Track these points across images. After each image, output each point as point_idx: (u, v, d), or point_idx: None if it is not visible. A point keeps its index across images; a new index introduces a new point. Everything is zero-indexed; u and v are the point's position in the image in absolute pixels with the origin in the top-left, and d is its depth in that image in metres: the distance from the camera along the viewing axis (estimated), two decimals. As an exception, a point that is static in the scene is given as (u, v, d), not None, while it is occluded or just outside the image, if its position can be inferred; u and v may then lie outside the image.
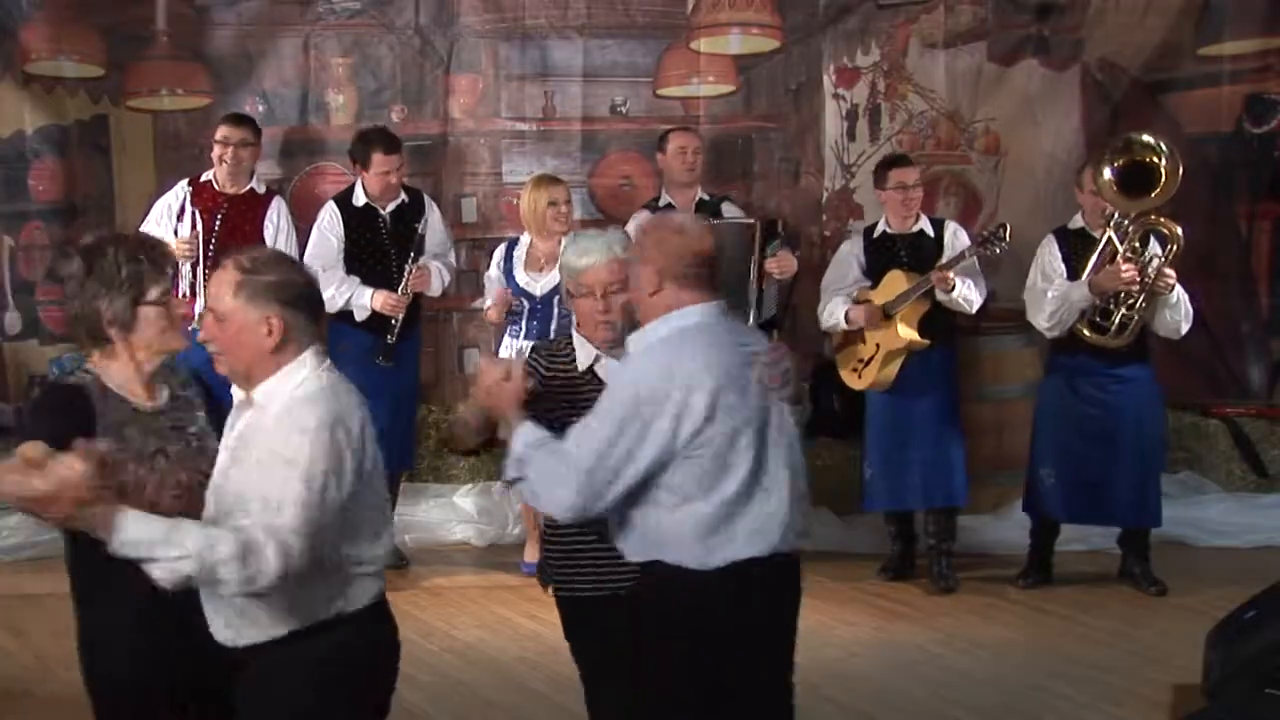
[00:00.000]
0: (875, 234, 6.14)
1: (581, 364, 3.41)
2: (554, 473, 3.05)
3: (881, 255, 6.06)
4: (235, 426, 2.85)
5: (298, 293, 2.80)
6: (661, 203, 6.40)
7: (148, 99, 7.06)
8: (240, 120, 6.35)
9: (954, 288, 5.80)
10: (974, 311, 5.98)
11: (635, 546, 3.13)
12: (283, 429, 2.71)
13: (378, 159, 6.17)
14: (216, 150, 6.22)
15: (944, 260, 5.87)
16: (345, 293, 6.11)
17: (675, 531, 3.05)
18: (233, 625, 2.81)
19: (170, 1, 7.01)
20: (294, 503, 2.64)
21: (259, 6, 7.09)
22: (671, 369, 3.03)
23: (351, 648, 2.82)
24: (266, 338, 2.75)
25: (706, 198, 6.45)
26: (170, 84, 7.09)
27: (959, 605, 5.89)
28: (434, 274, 6.25)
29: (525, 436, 3.12)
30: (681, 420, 2.99)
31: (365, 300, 6.12)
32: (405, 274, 6.15)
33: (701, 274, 3.12)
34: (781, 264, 6.11)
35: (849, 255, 6.18)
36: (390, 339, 6.11)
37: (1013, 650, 5.33)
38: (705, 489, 3.03)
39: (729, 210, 6.44)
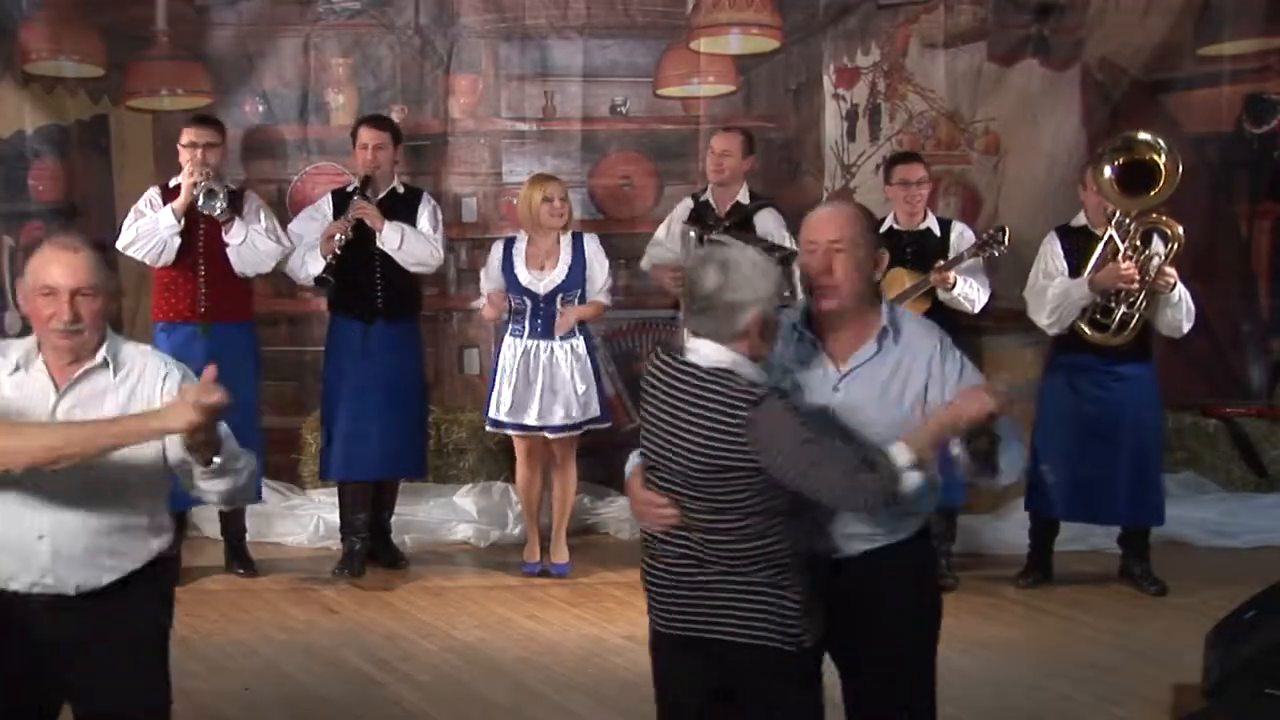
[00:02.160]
0: (882, 230, 6.13)
1: None
2: None
3: (892, 249, 6.04)
4: None
5: None
6: (701, 198, 6.35)
7: (148, 99, 7.07)
8: (206, 121, 6.21)
9: (954, 286, 5.81)
10: (976, 311, 5.98)
11: None
12: None
13: (361, 132, 6.14)
14: (183, 154, 6.03)
15: (945, 260, 5.87)
16: (304, 260, 6.07)
17: None
18: None
19: (170, 1, 7.03)
20: None
21: (259, 6, 7.10)
22: None
23: None
24: None
25: (745, 200, 6.27)
26: (170, 84, 7.10)
27: (959, 605, 5.87)
28: (390, 224, 6.01)
29: None
30: None
31: (315, 253, 6.03)
32: (349, 206, 6.02)
33: None
34: None
35: None
36: (330, 259, 5.94)
37: (1013, 650, 5.32)
38: None
39: (766, 218, 6.22)
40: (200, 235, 5.98)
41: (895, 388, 3.15)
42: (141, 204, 6.05)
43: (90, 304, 3.06)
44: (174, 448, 3.06)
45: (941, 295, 5.86)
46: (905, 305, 5.83)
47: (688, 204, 6.36)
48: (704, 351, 3.02)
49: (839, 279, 3.14)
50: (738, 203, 6.27)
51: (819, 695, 3.14)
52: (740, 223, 6.16)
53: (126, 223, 6.01)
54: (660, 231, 6.46)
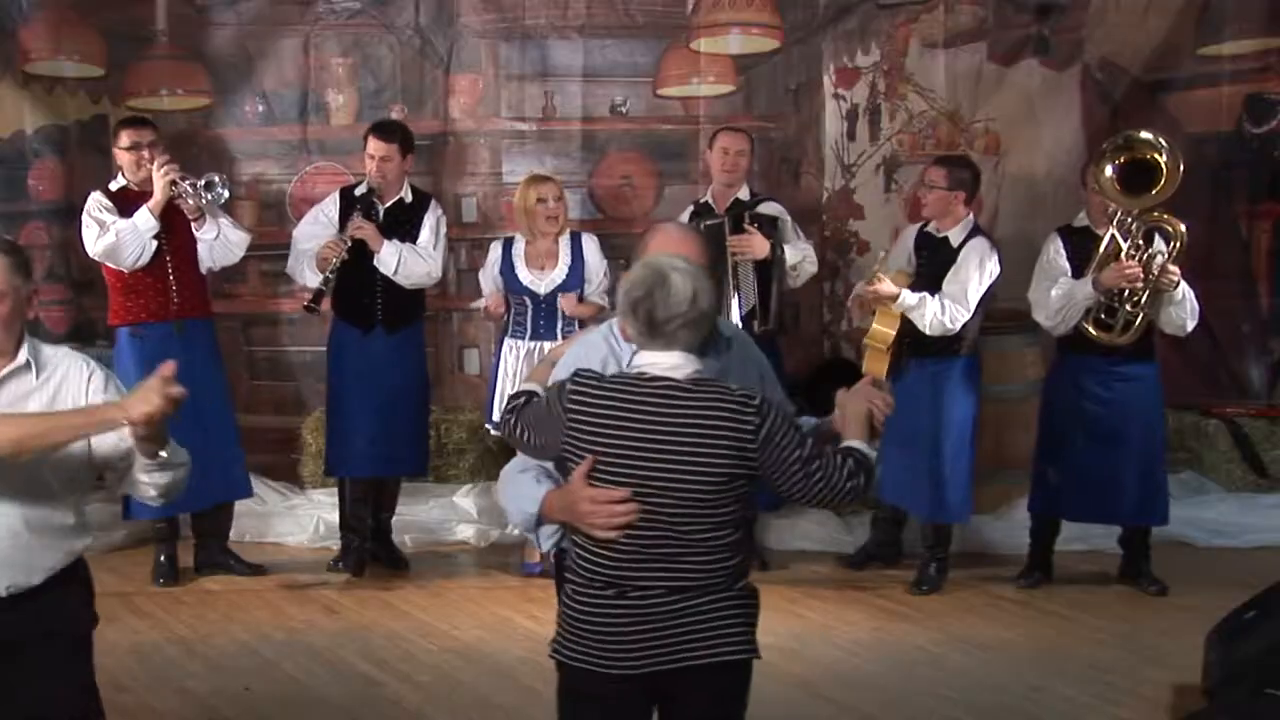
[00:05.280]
0: (925, 227, 6.08)
1: None
2: None
3: (919, 250, 6.03)
4: None
5: None
6: (701, 200, 6.35)
7: (148, 99, 7.08)
8: (143, 122, 6.08)
9: (897, 299, 5.66)
10: (928, 333, 5.73)
11: None
12: None
13: (369, 142, 6.13)
14: (128, 156, 5.89)
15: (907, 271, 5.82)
16: (303, 266, 6.03)
17: None
18: None
19: (170, 1, 7.03)
20: None
21: (259, 6, 7.10)
22: None
23: None
24: None
25: (745, 198, 6.25)
26: (170, 84, 7.11)
27: (959, 605, 5.88)
28: (388, 245, 6.00)
29: None
30: None
31: (314, 264, 5.98)
32: (349, 223, 6.00)
33: None
34: (740, 244, 5.95)
35: (905, 238, 6.17)
36: (323, 286, 5.91)
37: (1013, 650, 5.32)
38: None
39: (771, 205, 6.24)
40: (165, 233, 5.84)
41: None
42: (97, 212, 5.81)
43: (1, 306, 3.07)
44: (108, 443, 3.08)
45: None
46: (877, 320, 5.79)
47: (688, 211, 6.31)
48: (670, 363, 2.92)
49: None
50: (737, 199, 6.27)
51: None
52: (737, 217, 6.11)
53: (92, 234, 5.78)
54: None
